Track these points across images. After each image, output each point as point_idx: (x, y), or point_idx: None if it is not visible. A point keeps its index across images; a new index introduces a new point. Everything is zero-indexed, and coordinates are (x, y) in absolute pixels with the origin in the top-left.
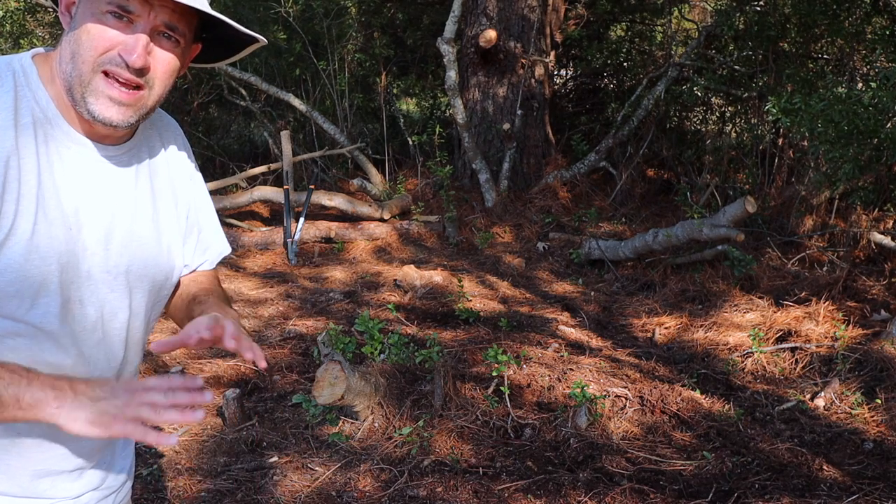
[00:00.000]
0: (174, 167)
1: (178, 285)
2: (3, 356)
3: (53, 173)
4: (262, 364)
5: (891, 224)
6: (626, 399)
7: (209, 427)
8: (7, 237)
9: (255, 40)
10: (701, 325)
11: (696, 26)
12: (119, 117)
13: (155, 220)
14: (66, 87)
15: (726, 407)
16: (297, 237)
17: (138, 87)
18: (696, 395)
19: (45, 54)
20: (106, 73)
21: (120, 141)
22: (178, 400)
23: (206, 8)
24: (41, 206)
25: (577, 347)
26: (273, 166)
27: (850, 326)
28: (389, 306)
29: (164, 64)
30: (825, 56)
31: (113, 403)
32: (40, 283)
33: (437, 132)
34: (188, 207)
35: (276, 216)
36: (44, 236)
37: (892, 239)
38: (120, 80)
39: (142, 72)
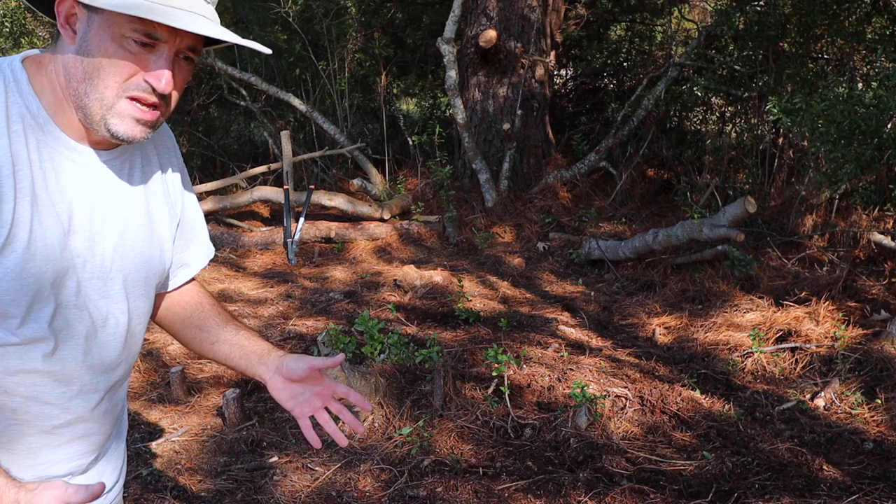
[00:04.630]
0: (167, 170)
1: (169, 296)
2: None
3: (47, 180)
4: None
5: (891, 224)
6: (626, 399)
7: (209, 427)
8: (4, 246)
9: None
10: (701, 325)
11: (696, 26)
12: (141, 135)
13: (147, 224)
14: (79, 104)
15: (726, 407)
16: (297, 237)
17: (157, 107)
18: (696, 395)
19: (37, 57)
20: (131, 98)
21: (112, 146)
22: None
23: (237, 39)
24: (36, 214)
25: (578, 347)
26: (273, 166)
27: (850, 326)
28: (389, 306)
29: (181, 83)
30: (825, 56)
31: None
32: (36, 291)
33: (437, 132)
34: (181, 213)
35: (276, 216)
36: (39, 245)
37: (892, 239)
38: (146, 103)
39: (166, 95)
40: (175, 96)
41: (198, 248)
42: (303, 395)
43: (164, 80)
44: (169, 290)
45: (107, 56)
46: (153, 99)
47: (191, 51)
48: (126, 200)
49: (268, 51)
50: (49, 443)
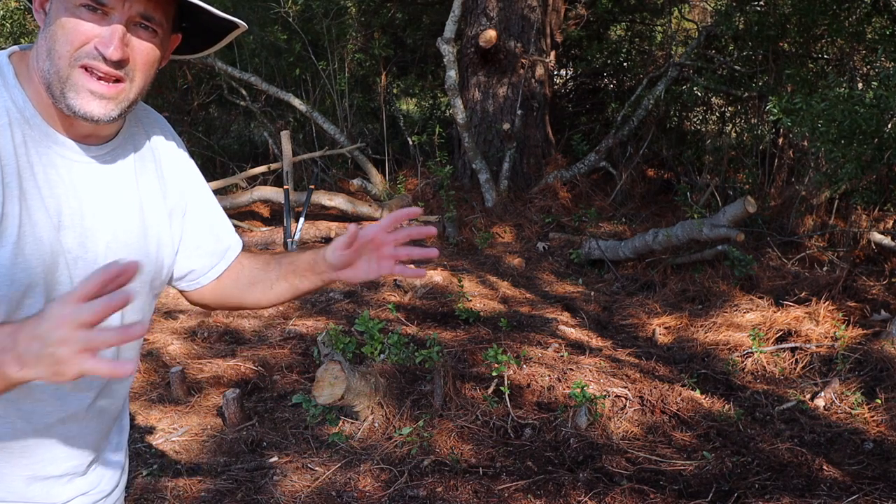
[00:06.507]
0: (163, 165)
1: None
2: None
3: (35, 175)
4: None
5: (891, 224)
6: (626, 399)
7: (209, 427)
8: None
9: (236, 26)
10: (701, 325)
11: (696, 26)
12: (101, 111)
13: (141, 220)
14: (45, 83)
15: (726, 407)
16: (297, 237)
17: (119, 80)
18: (696, 395)
19: (22, 52)
20: (84, 68)
21: (103, 140)
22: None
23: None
24: (25, 209)
25: (578, 347)
26: (273, 166)
27: (850, 326)
28: (389, 306)
29: (143, 54)
30: (825, 56)
31: (50, 346)
32: (26, 287)
33: (437, 132)
34: (188, 207)
35: (276, 216)
36: (29, 240)
37: (892, 239)
38: (99, 73)
39: (120, 64)
40: (140, 71)
41: (228, 239)
42: (369, 264)
43: (112, 45)
44: (212, 280)
45: (61, 27)
46: (105, 67)
47: (146, 19)
48: (118, 196)
49: (243, 25)
50: (43, 441)
